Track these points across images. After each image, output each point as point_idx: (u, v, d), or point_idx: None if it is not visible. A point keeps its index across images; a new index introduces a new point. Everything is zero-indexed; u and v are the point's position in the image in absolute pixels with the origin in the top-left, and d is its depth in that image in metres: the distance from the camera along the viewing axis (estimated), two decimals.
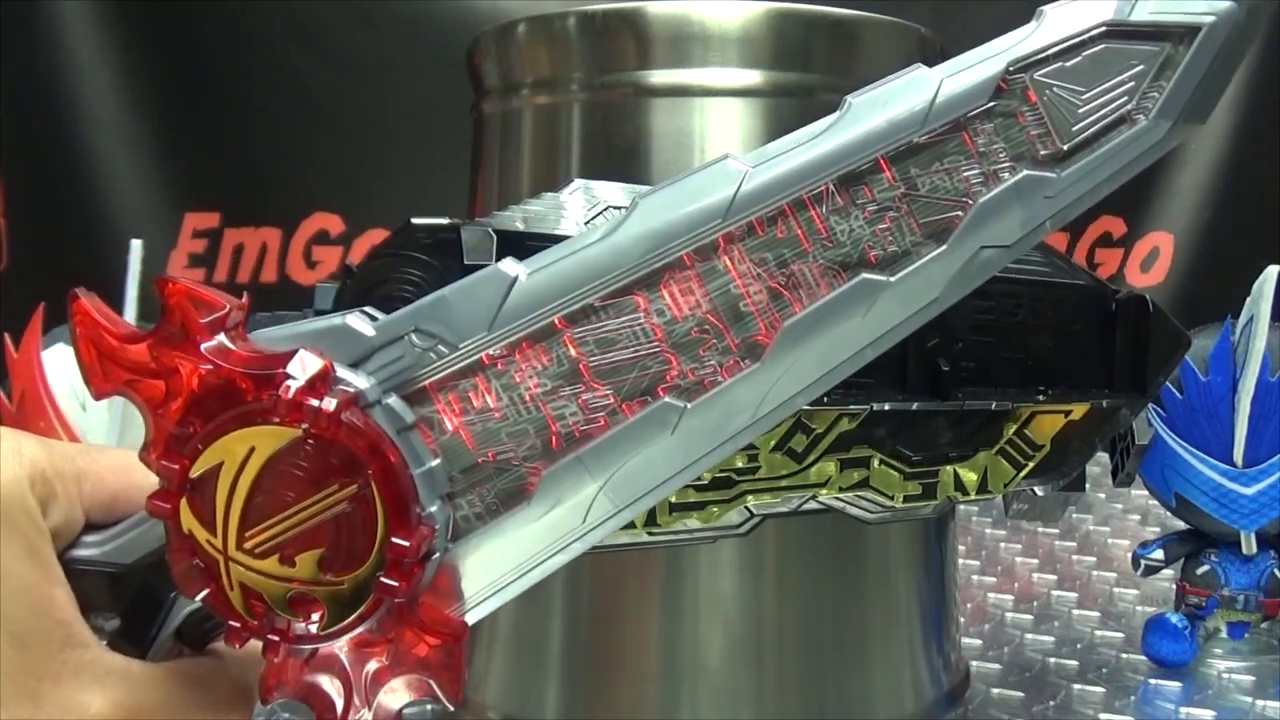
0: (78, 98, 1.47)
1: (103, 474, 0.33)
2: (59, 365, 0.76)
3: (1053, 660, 0.71)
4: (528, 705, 0.57)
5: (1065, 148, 0.31)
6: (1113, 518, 1.02)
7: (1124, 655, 0.72)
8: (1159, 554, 0.71)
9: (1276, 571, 0.69)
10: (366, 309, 0.31)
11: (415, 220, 0.47)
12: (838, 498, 0.49)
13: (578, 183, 0.50)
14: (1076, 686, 0.67)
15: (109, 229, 1.45)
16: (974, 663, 0.68)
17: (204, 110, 1.49)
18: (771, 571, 0.55)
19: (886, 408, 0.48)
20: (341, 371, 0.29)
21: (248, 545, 0.29)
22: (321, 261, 1.53)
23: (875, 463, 0.49)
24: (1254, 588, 0.69)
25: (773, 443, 0.47)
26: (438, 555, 0.30)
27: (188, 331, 0.29)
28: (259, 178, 1.52)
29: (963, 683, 0.63)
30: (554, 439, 0.31)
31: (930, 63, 0.32)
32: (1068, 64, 0.31)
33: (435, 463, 0.30)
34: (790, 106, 0.53)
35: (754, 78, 0.53)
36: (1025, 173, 0.31)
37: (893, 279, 0.31)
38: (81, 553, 0.32)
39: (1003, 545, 0.94)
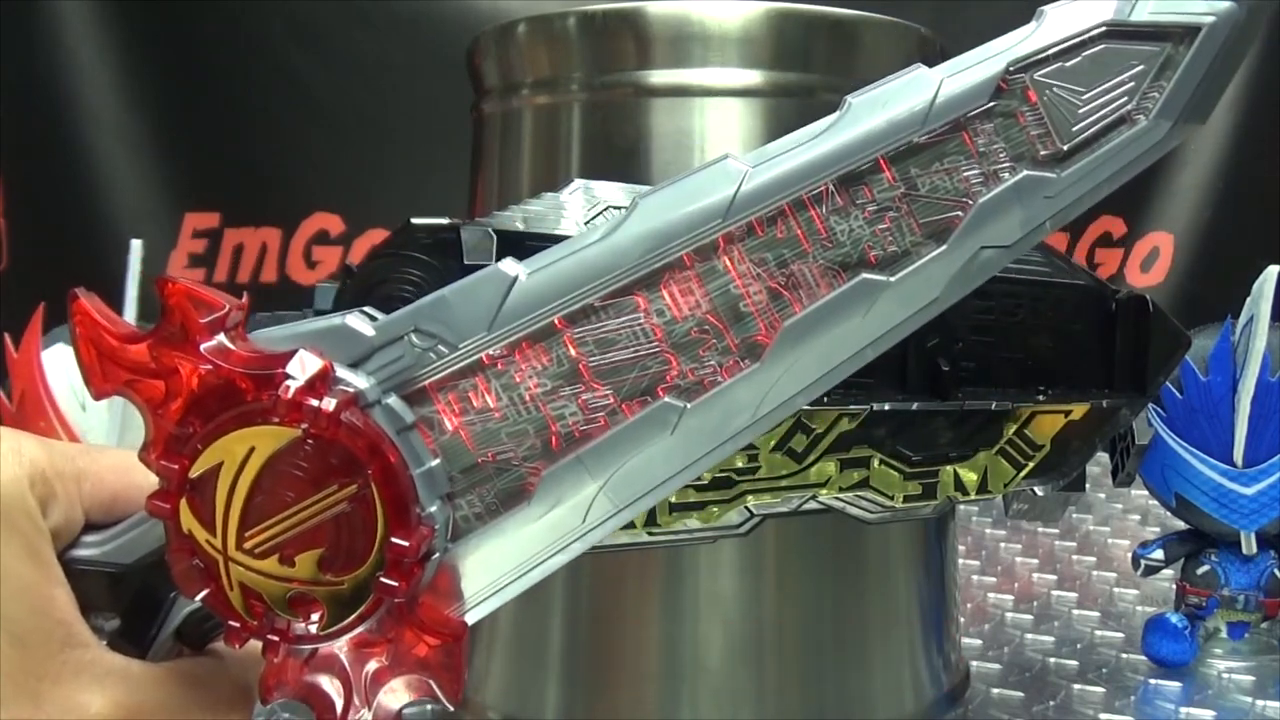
0: (78, 98, 1.47)
1: (103, 474, 0.33)
2: (59, 365, 0.76)
3: (1053, 660, 0.71)
4: (528, 705, 0.57)
5: (1065, 148, 0.31)
6: (1113, 518, 1.02)
7: (1124, 655, 0.72)
8: (1159, 554, 0.71)
9: (1276, 571, 0.69)
10: (366, 309, 0.31)
11: (415, 220, 0.47)
12: (838, 498, 0.49)
13: (578, 183, 0.50)
14: (1076, 686, 0.67)
15: (109, 229, 1.45)
16: (974, 663, 0.68)
17: (204, 110, 1.49)
18: (771, 571, 0.55)
19: (886, 408, 0.48)
20: (341, 371, 0.29)
21: (247, 545, 0.29)
22: (321, 261, 1.53)
23: (875, 463, 0.49)
24: (1254, 588, 0.69)
25: (773, 443, 0.47)
26: (437, 555, 0.30)
27: (187, 331, 0.29)
28: (259, 178, 1.52)
29: (963, 683, 0.63)
30: (554, 439, 0.31)
31: (930, 63, 0.32)
32: (1068, 64, 0.31)
33: (435, 463, 0.30)
34: (790, 106, 0.53)
35: (754, 78, 0.53)
36: (1025, 173, 0.31)
37: (892, 279, 0.31)
38: (81, 553, 0.32)
39: (1003, 545, 0.94)
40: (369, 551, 0.29)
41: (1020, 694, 0.66)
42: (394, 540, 0.28)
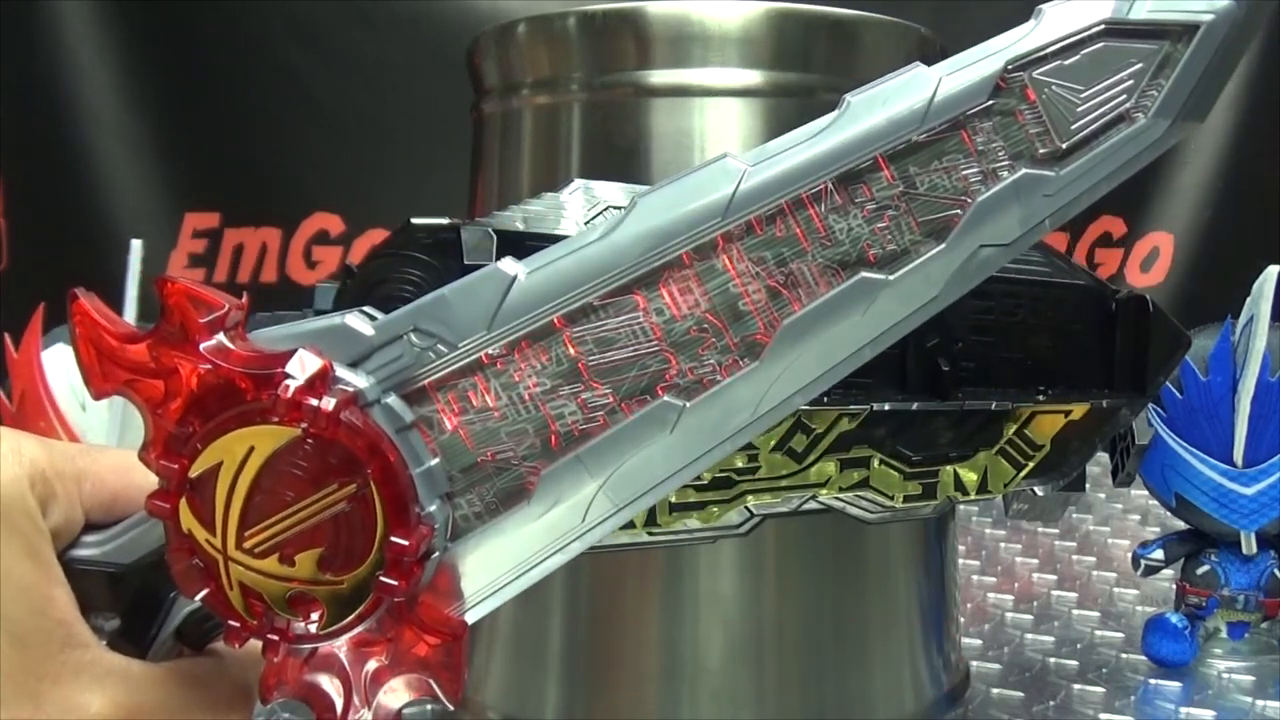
0: (78, 98, 1.48)
1: (103, 474, 0.33)
2: (59, 365, 0.76)
3: (1053, 660, 0.71)
4: (528, 705, 0.57)
5: (1064, 146, 0.31)
6: (1113, 518, 1.02)
7: (1124, 655, 0.72)
8: (1159, 554, 0.71)
9: (1276, 571, 0.69)
10: (366, 309, 0.31)
11: (415, 220, 0.47)
12: (838, 498, 0.49)
13: (578, 183, 0.50)
14: (1076, 686, 0.67)
15: (109, 229, 1.45)
16: (974, 663, 0.68)
17: (204, 110, 1.49)
18: (771, 571, 0.55)
19: (886, 408, 0.48)
20: (340, 371, 0.29)
21: (247, 545, 0.29)
22: (321, 261, 1.53)
23: (875, 463, 0.49)
24: (1254, 588, 0.69)
25: (773, 443, 0.47)
26: (437, 554, 0.30)
27: (187, 331, 0.29)
28: (259, 178, 1.52)
29: (963, 683, 0.63)
30: (553, 438, 0.31)
31: (930, 62, 0.32)
32: (1066, 62, 0.31)
33: (434, 462, 0.30)
34: (790, 106, 0.53)
35: (754, 78, 0.53)
36: (1024, 171, 0.31)
37: (892, 277, 0.31)
38: (81, 553, 0.32)
39: (1003, 545, 0.94)
40: (369, 551, 0.29)
41: (1020, 694, 0.66)
42: (393, 539, 0.28)
